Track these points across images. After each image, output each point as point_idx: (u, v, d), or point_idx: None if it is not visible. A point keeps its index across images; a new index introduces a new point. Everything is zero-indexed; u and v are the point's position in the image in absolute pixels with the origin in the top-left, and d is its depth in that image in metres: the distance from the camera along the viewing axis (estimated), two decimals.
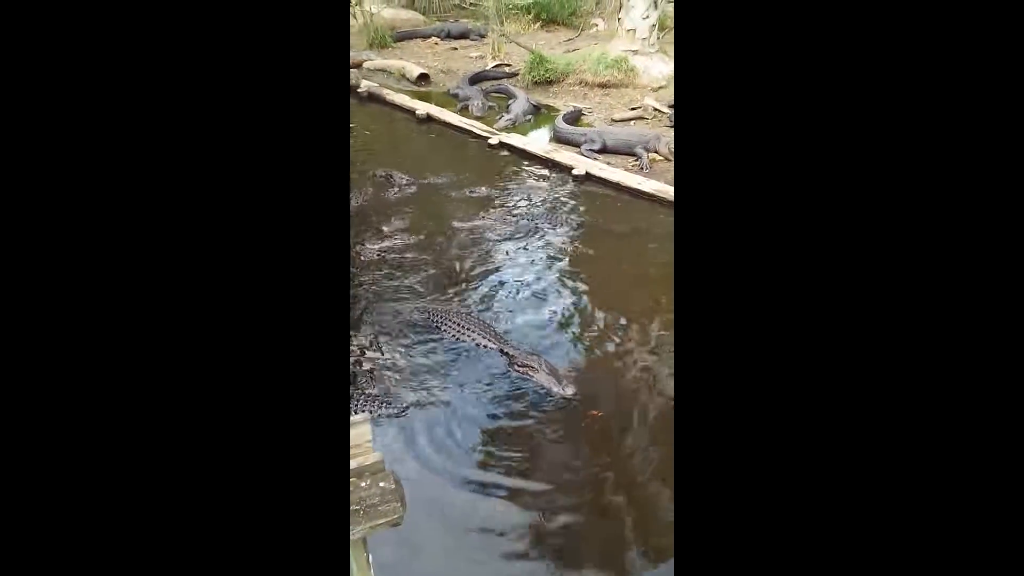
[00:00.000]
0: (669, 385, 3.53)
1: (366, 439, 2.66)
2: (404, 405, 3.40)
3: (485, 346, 3.83)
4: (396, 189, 6.00)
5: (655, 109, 8.05)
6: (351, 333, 3.90)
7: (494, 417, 3.37)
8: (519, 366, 3.63)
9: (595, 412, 3.38)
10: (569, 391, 3.46)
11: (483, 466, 3.07)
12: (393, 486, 2.47)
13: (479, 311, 4.27)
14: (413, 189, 6.02)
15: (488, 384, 3.59)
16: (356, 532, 2.07)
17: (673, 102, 8.02)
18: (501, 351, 3.78)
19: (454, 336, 3.90)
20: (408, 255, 4.89)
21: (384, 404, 3.39)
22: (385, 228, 5.27)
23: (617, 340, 3.96)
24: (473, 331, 3.89)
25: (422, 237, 5.17)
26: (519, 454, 3.12)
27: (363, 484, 2.46)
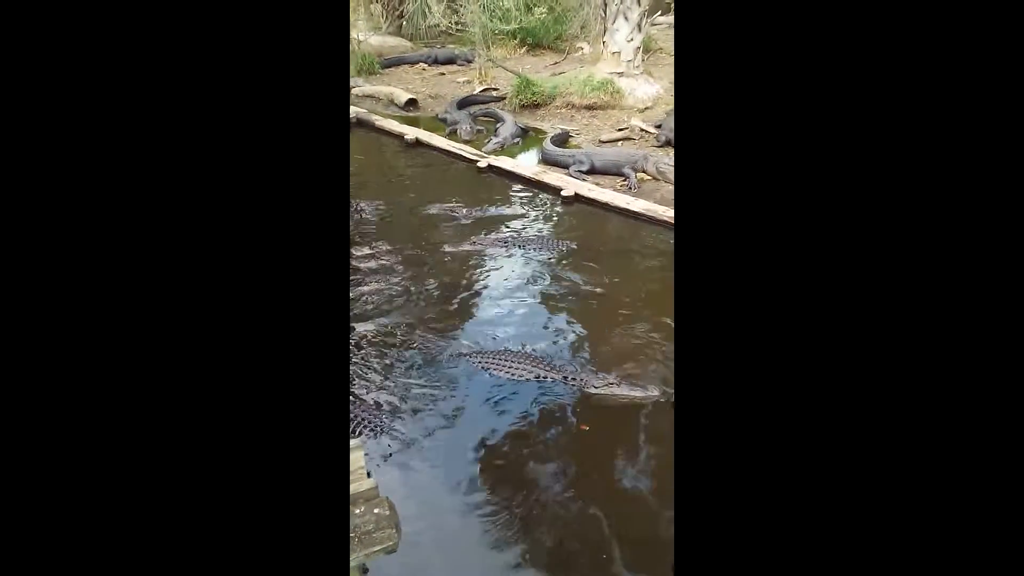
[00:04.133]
0: (663, 398, 3.53)
1: (359, 465, 2.64)
2: (396, 428, 3.38)
3: (545, 378, 3.70)
4: (367, 213, 6.01)
5: (641, 129, 8.14)
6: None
7: (491, 434, 3.35)
8: (594, 387, 3.60)
9: (584, 426, 3.42)
10: (655, 391, 3.55)
11: (481, 487, 3.04)
12: (388, 512, 2.45)
13: (478, 336, 4.25)
14: (372, 214, 6.04)
15: (481, 403, 3.58)
16: (351, 560, 2.05)
17: (658, 123, 8.12)
18: (565, 379, 3.69)
19: (508, 375, 3.74)
20: (396, 280, 4.88)
21: (377, 428, 3.37)
22: (371, 251, 5.26)
23: (611, 357, 3.96)
24: (526, 365, 3.77)
25: (412, 262, 5.16)
26: (517, 475, 3.10)
27: (357, 511, 2.43)
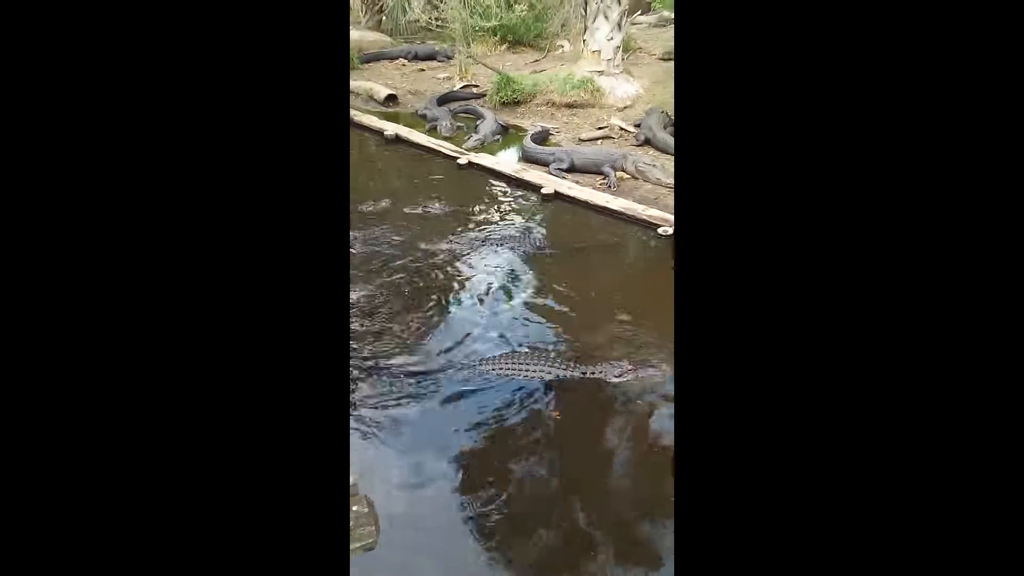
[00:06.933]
0: (642, 391, 3.57)
1: None
2: (376, 420, 3.36)
3: (564, 376, 3.65)
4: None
5: (621, 128, 8.17)
6: None
7: (469, 429, 3.35)
8: (616, 376, 3.65)
9: (555, 413, 3.46)
10: (667, 368, 3.66)
11: (467, 484, 3.04)
12: (366, 509, 2.44)
13: (456, 336, 4.23)
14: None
15: (457, 400, 3.57)
16: None
17: (637, 122, 8.15)
18: (584, 374, 3.68)
19: (526, 377, 3.66)
20: (375, 281, 4.84)
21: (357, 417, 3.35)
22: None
23: (608, 346, 3.98)
24: (543, 365, 3.71)
25: (389, 261, 5.13)
26: (495, 463, 3.11)
27: None
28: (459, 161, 7.14)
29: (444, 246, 5.32)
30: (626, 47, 9.65)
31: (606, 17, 8.93)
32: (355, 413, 3.43)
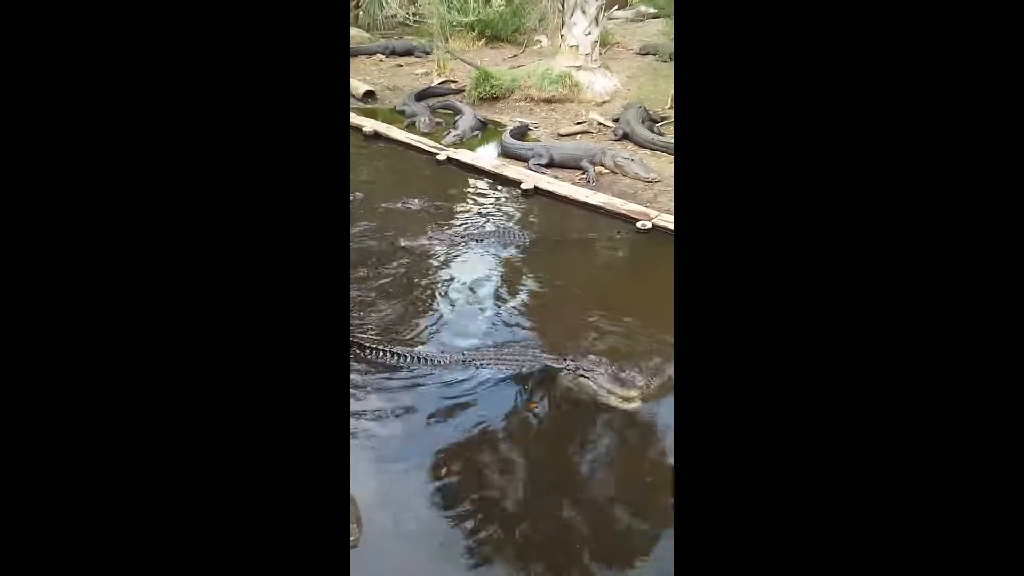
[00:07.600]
0: (618, 383, 3.60)
1: None
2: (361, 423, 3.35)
3: (539, 369, 3.65)
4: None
5: (600, 123, 8.19)
6: None
7: (447, 423, 3.35)
8: (584, 370, 3.60)
9: (533, 404, 3.48)
10: (634, 393, 3.43)
11: (449, 480, 3.04)
12: (349, 507, 2.44)
13: (433, 331, 4.22)
14: None
15: (435, 395, 3.57)
16: None
17: (616, 116, 8.19)
18: (562, 367, 3.67)
19: (503, 369, 3.67)
20: (354, 275, 4.82)
21: None
22: None
23: (570, 348, 3.99)
24: (518, 358, 3.71)
25: (369, 257, 5.11)
26: (474, 455, 3.11)
27: None
28: (438, 157, 7.11)
29: (424, 242, 5.30)
30: (603, 42, 9.68)
31: (583, 12, 8.95)
32: None
